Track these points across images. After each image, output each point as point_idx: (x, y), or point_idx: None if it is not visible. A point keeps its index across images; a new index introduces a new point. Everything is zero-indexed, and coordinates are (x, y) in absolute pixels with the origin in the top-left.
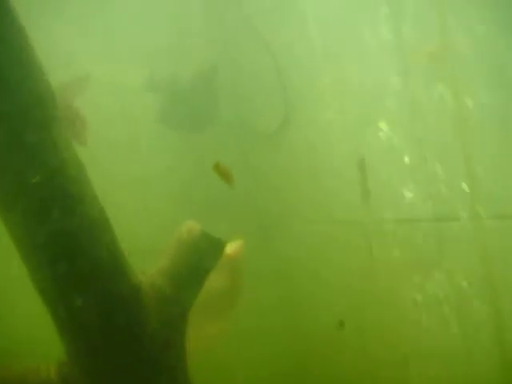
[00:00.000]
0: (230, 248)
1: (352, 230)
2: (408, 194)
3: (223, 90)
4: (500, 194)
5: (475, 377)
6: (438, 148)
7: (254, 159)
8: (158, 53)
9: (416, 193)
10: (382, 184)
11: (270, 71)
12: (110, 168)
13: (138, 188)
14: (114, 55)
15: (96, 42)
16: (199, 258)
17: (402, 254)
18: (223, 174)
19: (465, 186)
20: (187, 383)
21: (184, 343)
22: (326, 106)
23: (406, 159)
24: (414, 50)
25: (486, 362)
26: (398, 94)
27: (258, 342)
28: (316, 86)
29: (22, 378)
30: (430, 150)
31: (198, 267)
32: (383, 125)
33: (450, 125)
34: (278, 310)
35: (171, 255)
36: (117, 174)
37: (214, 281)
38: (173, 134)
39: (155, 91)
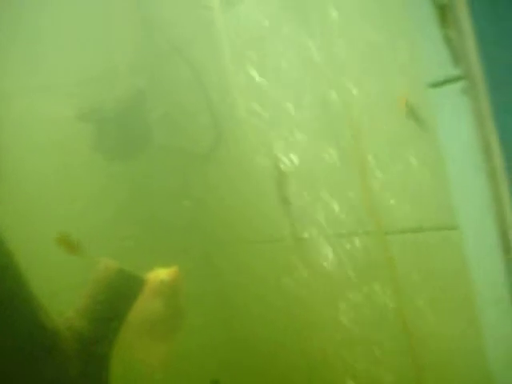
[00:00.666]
0: (165, 274)
1: (278, 248)
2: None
3: (154, 116)
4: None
5: None
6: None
7: (191, 181)
8: (87, 82)
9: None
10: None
11: (198, 95)
12: (40, 199)
13: (71, 219)
14: (43, 88)
15: (24, 75)
16: (117, 296)
17: (324, 269)
18: (67, 245)
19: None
20: None
21: (108, 381)
22: (250, 125)
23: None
24: None
25: None
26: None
27: (200, 362)
28: (240, 106)
29: None
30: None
31: (117, 305)
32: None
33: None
34: (219, 329)
35: (88, 295)
36: (48, 206)
37: (151, 307)
38: (107, 162)
39: (86, 120)
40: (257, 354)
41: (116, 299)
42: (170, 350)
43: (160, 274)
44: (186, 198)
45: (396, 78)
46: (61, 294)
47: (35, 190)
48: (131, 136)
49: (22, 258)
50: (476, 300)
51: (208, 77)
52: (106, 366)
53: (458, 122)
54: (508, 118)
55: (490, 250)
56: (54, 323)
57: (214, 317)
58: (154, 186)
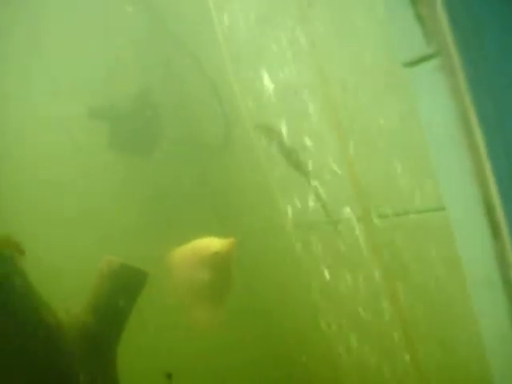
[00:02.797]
0: (220, 245)
1: (309, 235)
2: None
3: (164, 110)
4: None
5: None
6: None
7: (209, 172)
8: (95, 81)
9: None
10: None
11: (205, 86)
12: (60, 202)
13: (90, 219)
14: (53, 90)
15: (35, 79)
16: (121, 291)
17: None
18: (13, 247)
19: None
20: None
21: (116, 377)
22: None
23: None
24: None
25: None
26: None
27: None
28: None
29: None
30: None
31: (121, 299)
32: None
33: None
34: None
35: (93, 291)
36: (67, 208)
37: (199, 276)
38: (124, 159)
39: (98, 118)
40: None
41: (120, 294)
42: (219, 316)
43: (214, 245)
44: (206, 189)
45: (372, 58)
46: (67, 292)
47: (52, 190)
48: (145, 131)
49: (32, 260)
50: (468, 282)
51: (212, 68)
52: (114, 362)
53: (435, 101)
54: (484, 92)
55: (478, 230)
56: (58, 319)
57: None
58: (172, 181)
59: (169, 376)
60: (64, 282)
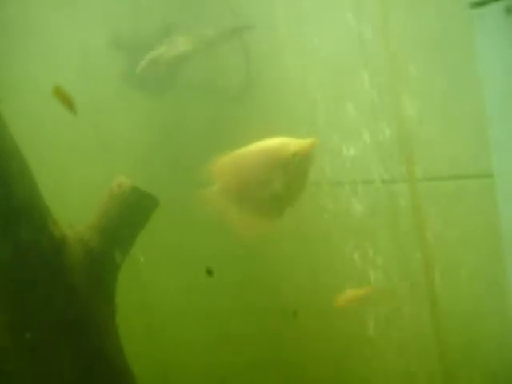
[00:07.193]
0: (299, 146)
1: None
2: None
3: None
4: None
5: None
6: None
7: (222, 121)
8: (119, 11)
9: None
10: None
11: (230, 29)
12: (71, 128)
13: (99, 149)
14: (75, 15)
15: (57, 6)
16: (129, 213)
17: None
18: (63, 98)
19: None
20: (115, 340)
21: (113, 302)
22: (287, 65)
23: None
24: None
25: None
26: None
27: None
28: (276, 45)
29: None
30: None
31: (129, 222)
32: None
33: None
34: None
35: (101, 210)
36: (77, 134)
37: (270, 180)
38: (136, 94)
39: (117, 49)
40: None
41: (128, 216)
42: (274, 221)
43: (292, 145)
44: (215, 138)
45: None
46: (72, 209)
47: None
48: (160, 70)
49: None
50: (504, 256)
51: (242, 13)
52: (113, 286)
53: (500, 46)
54: None
55: None
56: (63, 233)
57: None
58: (182, 124)
59: (209, 272)
60: (73, 206)
